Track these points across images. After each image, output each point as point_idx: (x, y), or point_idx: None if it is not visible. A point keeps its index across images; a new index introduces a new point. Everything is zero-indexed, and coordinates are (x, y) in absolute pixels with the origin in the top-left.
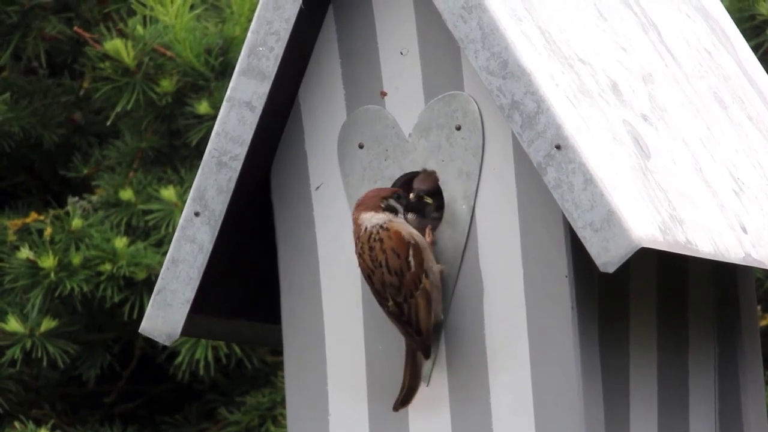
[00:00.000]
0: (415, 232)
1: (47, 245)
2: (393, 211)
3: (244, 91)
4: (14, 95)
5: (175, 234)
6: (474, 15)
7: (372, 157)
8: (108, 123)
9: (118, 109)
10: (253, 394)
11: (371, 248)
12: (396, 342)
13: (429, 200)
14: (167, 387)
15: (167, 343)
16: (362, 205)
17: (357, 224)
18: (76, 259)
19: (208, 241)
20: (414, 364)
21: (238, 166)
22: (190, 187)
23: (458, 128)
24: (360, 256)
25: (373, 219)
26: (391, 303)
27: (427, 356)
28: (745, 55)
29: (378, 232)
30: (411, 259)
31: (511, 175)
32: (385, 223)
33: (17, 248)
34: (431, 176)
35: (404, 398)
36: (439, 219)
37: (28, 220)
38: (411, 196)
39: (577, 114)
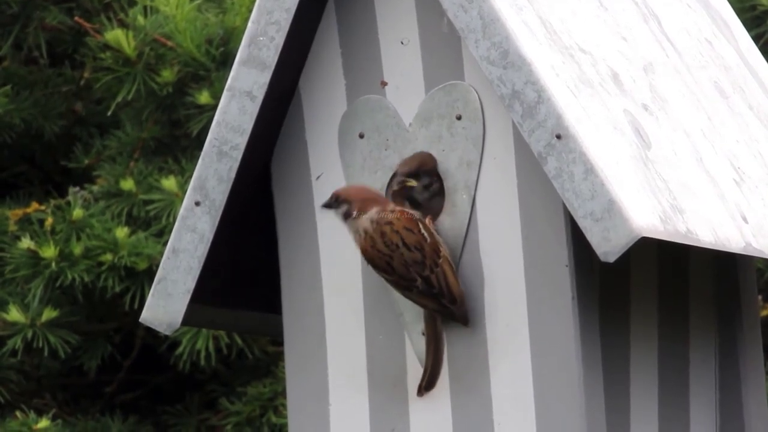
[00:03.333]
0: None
1: (48, 235)
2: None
3: (244, 80)
4: (15, 86)
5: (176, 224)
6: (474, 5)
7: (372, 146)
8: (109, 113)
9: (119, 99)
10: (254, 385)
11: (383, 234)
12: (397, 332)
13: (412, 183)
14: (168, 377)
15: (168, 333)
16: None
17: (361, 227)
18: (77, 249)
19: (209, 230)
20: (437, 348)
21: (238, 155)
22: (190, 177)
23: (459, 118)
24: (372, 248)
25: (371, 215)
26: (419, 281)
27: (466, 323)
28: (745, 45)
29: (383, 217)
30: (423, 231)
31: (512, 164)
32: (382, 209)
33: (18, 238)
34: (414, 158)
35: (428, 382)
36: (429, 198)
37: (29, 210)
38: (394, 183)
39: (578, 104)
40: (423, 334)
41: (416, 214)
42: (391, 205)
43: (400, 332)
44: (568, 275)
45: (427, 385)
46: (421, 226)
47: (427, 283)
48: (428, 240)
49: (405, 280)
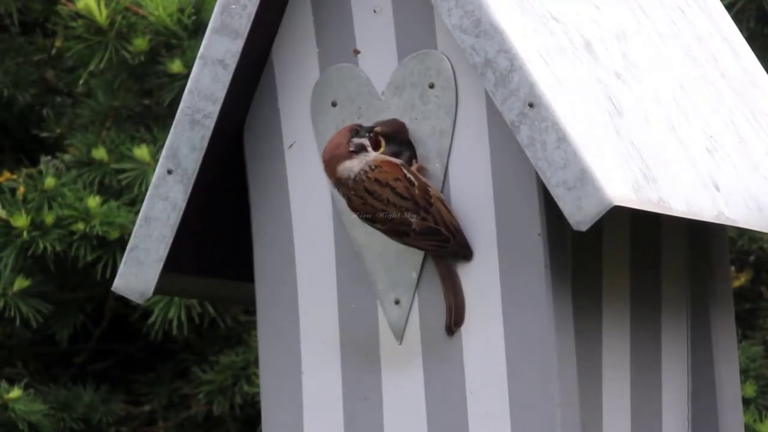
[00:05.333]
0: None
1: (20, 204)
2: (363, 149)
3: (217, 49)
4: None
5: (148, 192)
6: None
7: (345, 115)
8: (80, 82)
9: (91, 67)
10: (226, 353)
11: (372, 192)
12: (370, 301)
13: (382, 140)
14: (140, 346)
15: (140, 302)
16: (332, 160)
17: (340, 180)
18: (49, 218)
19: (181, 199)
20: (454, 283)
21: (211, 124)
22: (163, 146)
23: (431, 86)
24: (365, 205)
25: (353, 168)
26: (414, 224)
27: (470, 257)
28: (718, 12)
29: (370, 177)
30: (409, 175)
31: (485, 133)
32: (368, 164)
33: None
34: (393, 123)
35: (456, 320)
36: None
37: (0, 179)
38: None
39: (551, 72)
40: (396, 302)
41: (397, 160)
42: (355, 161)
43: (373, 301)
44: (540, 243)
45: (455, 322)
46: (405, 171)
47: (423, 223)
48: (416, 184)
49: (403, 225)
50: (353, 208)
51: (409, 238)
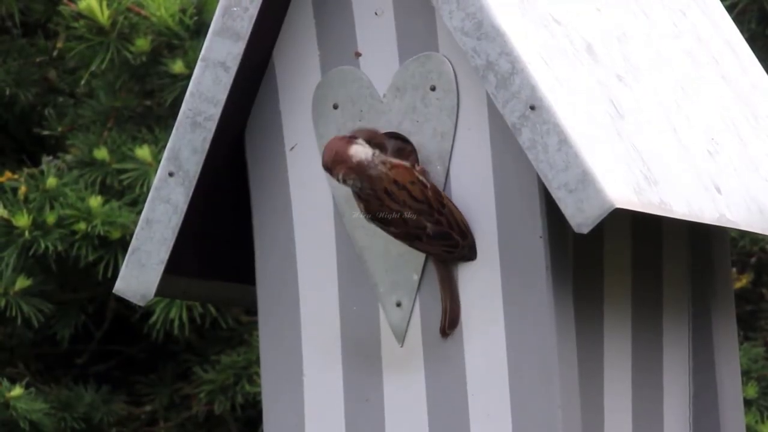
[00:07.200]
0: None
1: (21, 204)
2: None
3: (218, 51)
4: None
5: (150, 194)
6: None
7: (347, 117)
8: (82, 82)
9: (93, 68)
10: (227, 354)
11: (390, 194)
12: (371, 303)
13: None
14: (141, 347)
15: (141, 304)
16: (338, 153)
17: (360, 166)
18: (51, 218)
19: (183, 201)
20: (451, 287)
21: (212, 126)
22: (164, 146)
23: (433, 89)
24: (381, 207)
25: (364, 151)
26: (429, 227)
27: (473, 257)
28: (719, 14)
29: (389, 176)
30: (421, 177)
31: (486, 135)
32: (382, 161)
33: None
34: (369, 131)
35: (450, 322)
36: None
37: (2, 179)
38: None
39: (552, 75)
40: (397, 305)
41: (406, 162)
42: (365, 147)
43: (374, 303)
44: (542, 246)
45: (449, 324)
46: (416, 173)
47: (438, 225)
48: (428, 186)
49: (417, 229)
50: (369, 211)
51: (420, 242)
